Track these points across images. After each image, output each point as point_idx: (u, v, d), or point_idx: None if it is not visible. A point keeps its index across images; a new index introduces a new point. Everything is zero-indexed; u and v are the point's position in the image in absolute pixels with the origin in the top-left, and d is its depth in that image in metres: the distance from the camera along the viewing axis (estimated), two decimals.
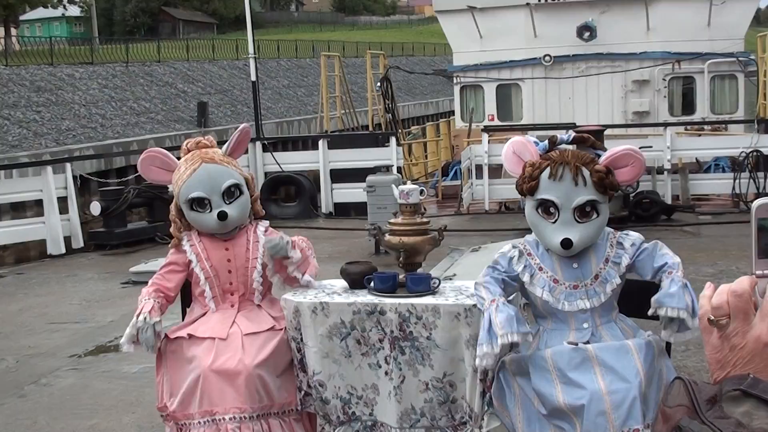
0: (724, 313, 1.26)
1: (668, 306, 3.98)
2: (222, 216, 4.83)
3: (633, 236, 4.30)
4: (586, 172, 4.07)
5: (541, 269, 4.24)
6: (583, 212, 4.10)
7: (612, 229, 4.34)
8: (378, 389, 4.72)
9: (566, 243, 4.07)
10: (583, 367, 4.00)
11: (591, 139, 4.27)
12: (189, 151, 4.99)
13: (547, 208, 4.13)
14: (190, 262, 4.94)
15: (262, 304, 5.00)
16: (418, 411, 4.65)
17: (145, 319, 4.70)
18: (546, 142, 4.20)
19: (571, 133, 4.29)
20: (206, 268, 4.92)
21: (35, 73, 26.89)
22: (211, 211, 4.86)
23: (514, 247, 4.35)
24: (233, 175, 4.94)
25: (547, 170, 4.09)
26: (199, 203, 4.87)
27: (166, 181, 5.07)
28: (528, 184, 4.14)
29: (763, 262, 1.32)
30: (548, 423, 4.10)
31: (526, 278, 4.25)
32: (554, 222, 4.12)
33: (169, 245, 5.07)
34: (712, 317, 1.26)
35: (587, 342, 4.14)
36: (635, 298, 4.37)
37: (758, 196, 13.80)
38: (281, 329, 4.87)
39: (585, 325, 4.18)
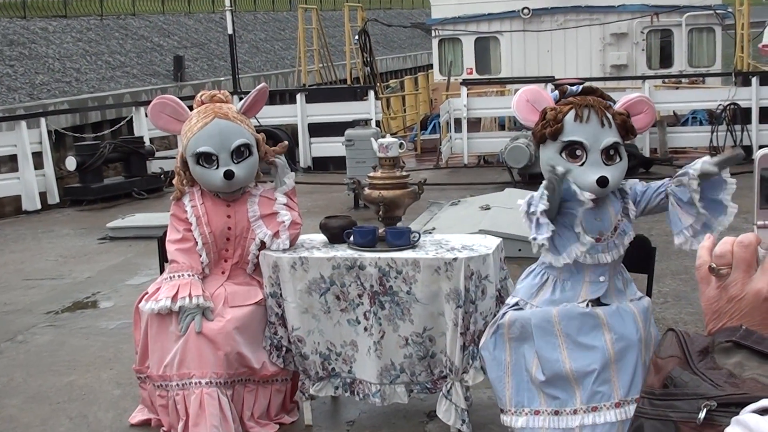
0: (727, 262, 1.24)
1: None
2: (228, 175, 4.73)
3: (629, 181, 4.25)
4: (609, 115, 4.04)
5: None
6: (609, 155, 4.04)
7: None
8: (357, 346, 4.71)
9: (603, 181, 3.95)
10: (593, 334, 3.96)
11: (600, 90, 4.23)
12: (202, 103, 4.88)
13: (573, 150, 4.03)
14: (190, 223, 4.88)
15: (254, 274, 4.97)
16: (398, 367, 4.65)
17: (198, 304, 4.66)
18: (557, 92, 4.15)
19: (580, 85, 4.24)
20: (205, 234, 4.85)
21: (7, 27, 26.50)
22: (217, 168, 4.77)
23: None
24: (245, 135, 4.84)
25: (572, 113, 4.02)
26: (206, 158, 4.77)
27: (174, 130, 4.95)
28: (553, 128, 4.03)
29: (764, 212, 1.31)
30: (538, 392, 4.06)
31: None
32: (582, 164, 4.02)
33: (171, 197, 5.00)
34: (714, 265, 1.24)
35: (599, 299, 4.10)
36: (628, 251, 4.34)
37: (734, 149, 13.86)
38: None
39: (602, 279, 4.11)
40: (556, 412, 4.02)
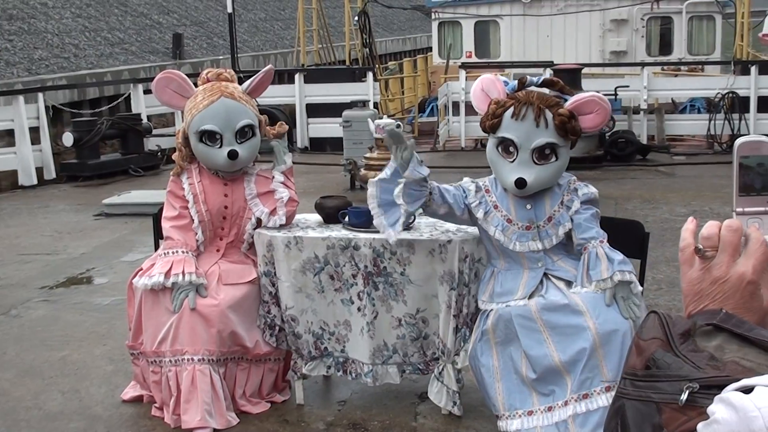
0: (713, 245, 1.26)
1: (622, 270, 4.05)
2: (232, 155, 4.75)
3: (589, 190, 4.30)
4: (549, 115, 4.10)
5: (496, 207, 4.27)
6: (542, 154, 4.13)
7: (574, 177, 4.36)
8: (350, 325, 4.72)
9: (520, 182, 4.11)
10: (577, 321, 4.00)
11: (560, 83, 4.30)
12: (208, 80, 4.88)
13: (506, 146, 4.17)
14: (187, 201, 4.89)
15: (248, 253, 4.99)
16: (390, 347, 4.66)
17: (191, 281, 4.67)
18: (515, 82, 4.21)
19: (541, 76, 4.31)
20: (201, 212, 4.87)
21: (7, 1, 26.38)
22: (221, 147, 4.78)
23: (472, 181, 4.38)
24: (249, 115, 4.86)
25: (511, 109, 4.13)
26: (210, 137, 4.78)
27: (178, 106, 4.96)
28: (490, 122, 4.18)
29: (743, 199, 1.33)
30: (531, 392, 4.10)
31: (480, 215, 4.27)
32: (512, 161, 4.16)
33: (172, 172, 5.01)
34: (701, 247, 1.26)
35: (545, 276, 4.19)
36: (621, 237, 4.37)
37: (732, 137, 13.86)
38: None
39: (539, 264, 4.23)
40: (549, 408, 4.05)
